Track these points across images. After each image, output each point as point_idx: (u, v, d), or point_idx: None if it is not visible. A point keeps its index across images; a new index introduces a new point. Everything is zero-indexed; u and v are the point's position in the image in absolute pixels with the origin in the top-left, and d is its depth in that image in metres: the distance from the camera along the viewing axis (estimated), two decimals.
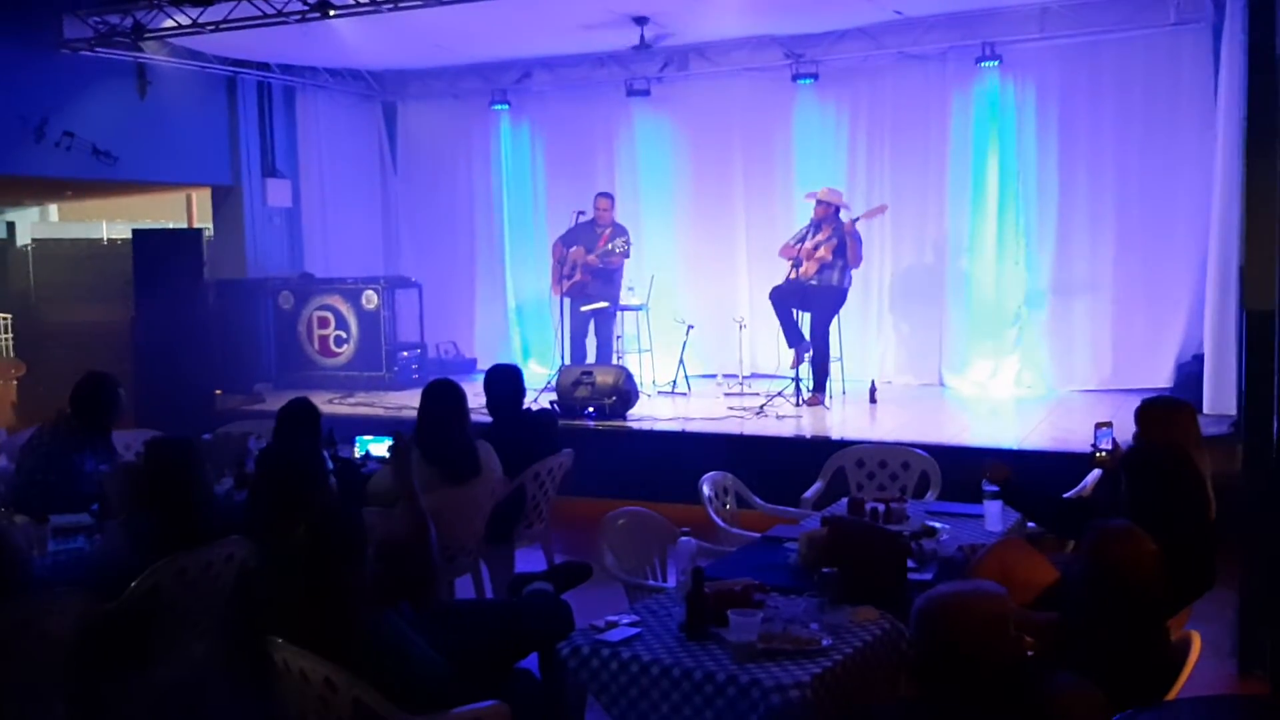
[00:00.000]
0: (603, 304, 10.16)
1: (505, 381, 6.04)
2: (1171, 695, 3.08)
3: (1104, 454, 4.75)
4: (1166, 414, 4.61)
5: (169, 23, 9.03)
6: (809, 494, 5.89)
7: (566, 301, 10.31)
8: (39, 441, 5.32)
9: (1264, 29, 5.12)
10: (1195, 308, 9.27)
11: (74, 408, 5.44)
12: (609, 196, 10.42)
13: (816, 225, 9.36)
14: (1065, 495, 5.43)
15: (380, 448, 6.06)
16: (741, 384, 10.11)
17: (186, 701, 4.00)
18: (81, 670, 3.79)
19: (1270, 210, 4.96)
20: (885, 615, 3.62)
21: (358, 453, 6.15)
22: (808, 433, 8.47)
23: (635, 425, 8.80)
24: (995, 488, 4.68)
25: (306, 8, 8.32)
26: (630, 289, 10.47)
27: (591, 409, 8.83)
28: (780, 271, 9.58)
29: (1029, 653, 2.74)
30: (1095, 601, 3.21)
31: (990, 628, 2.57)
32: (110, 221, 17.63)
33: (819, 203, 9.37)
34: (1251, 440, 5.13)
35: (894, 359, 10.71)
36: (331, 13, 8.28)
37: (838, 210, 9.36)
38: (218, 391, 10.34)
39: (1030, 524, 4.92)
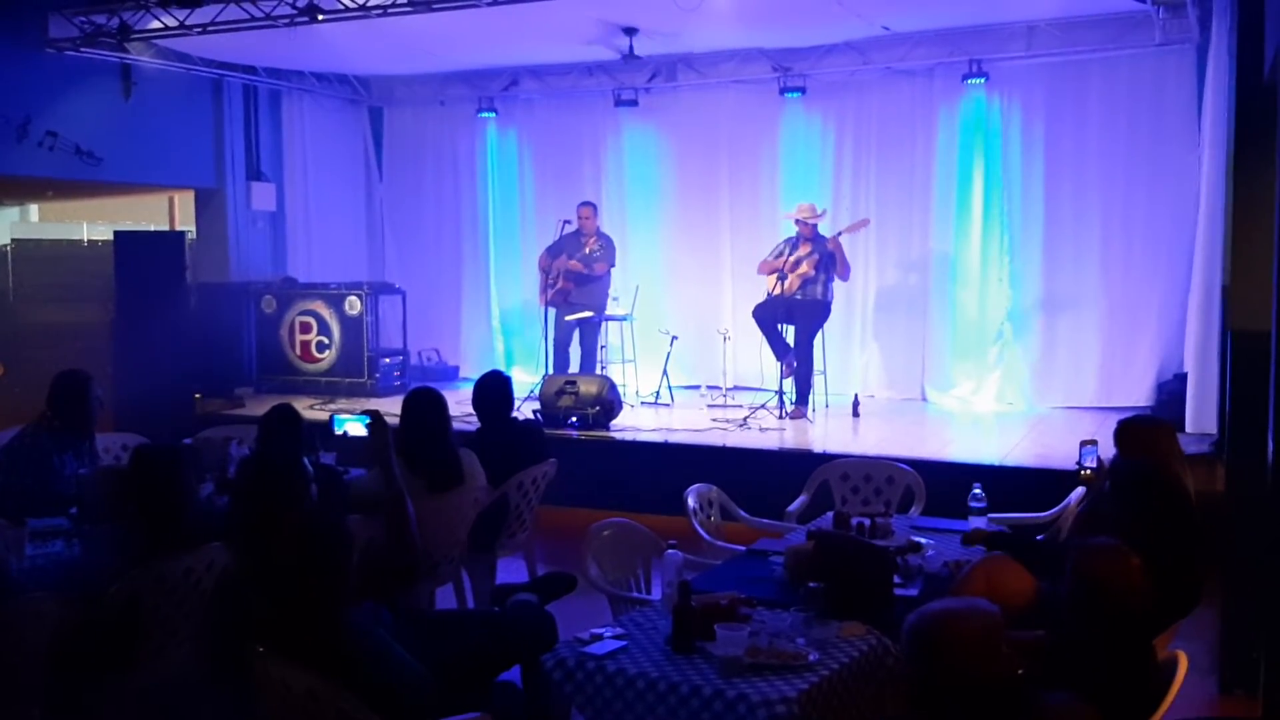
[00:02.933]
0: (587, 313, 10.15)
1: (496, 389, 6.02)
2: (1157, 716, 3.07)
3: (1089, 472, 4.76)
4: (1146, 433, 4.62)
5: (155, 24, 8.97)
6: (793, 507, 5.88)
7: (551, 311, 10.29)
8: (19, 444, 5.26)
9: (1252, 51, 5.15)
10: (1177, 326, 9.33)
11: (52, 408, 5.39)
12: (591, 205, 10.42)
13: (794, 242, 9.41)
14: (1046, 514, 5.47)
15: (357, 427, 6.02)
16: (725, 396, 10.11)
17: (167, 709, 3.96)
18: (59, 675, 3.74)
19: (1258, 232, 4.98)
20: (872, 631, 3.60)
21: (335, 431, 6.11)
22: (791, 446, 8.46)
23: (618, 435, 8.78)
24: (982, 504, 4.68)
25: (295, 12, 8.29)
26: (615, 299, 10.46)
27: (575, 418, 8.81)
28: (762, 287, 9.60)
29: (1019, 671, 2.71)
30: (1081, 618, 3.21)
31: (983, 646, 2.56)
32: (91, 222, 17.50)
33: (801, 220, 9.41)
34: (1236, 459, 5.15)
35: (877, 373, 10.72)
36: (320, 17, 8.24)
37: (817, 224, 9.41)
38: (197, 395, 10.26)
39: None
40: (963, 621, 2.59)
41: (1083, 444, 5.10)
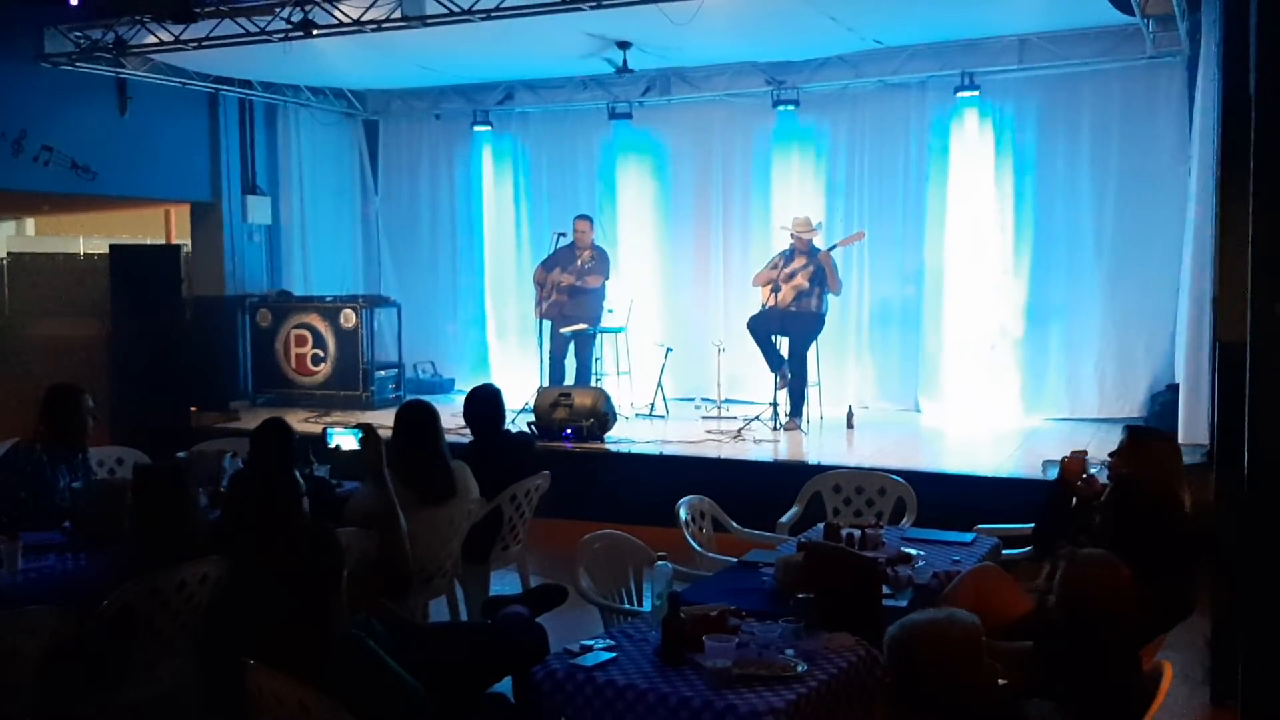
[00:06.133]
0: (582, 326, 10.17)
1: (486, 402, 6.05)
2: None
3: (1080, 483, 4.77)
4: (1152, 445, 4.62)
5: (151, 39, 9.00)
6: (785, 519, 5.90)
7: (546, 323, 10.32)
8: (13, 457, 5.28)
9: (1238, 66, 5.18)
10: (1170, 337, 9.36)
11: (44, 422, 5.40)
12: (588, 218, 10.45)
13: (789, 254, 9.45)
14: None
15: (350, 440, 6.02)
16: (719, 408, 10.13)
17: None
18: (53, 689, 3.75)
19: (1243, 244, 5.00)
20: (860, 642, 3.62)
21: (328, 445, 6.12)
22: (784, 458, 8.48)
23: (613, 448, 8.81)
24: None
25: (290, 27, 8.32)
26: (610, 311, 10.49)
27: (569, 430, 8.83)
28: (756, 299, 9.64)
29: (1001, 681, 2.73)
30: (1069, 629, 3.22)
31: (964, 656, 2.58)
32: (87, 236, 17.49)
33: (796, 235, 9.45)
34: (1224, 470, 5.17)
35: (871, 385, 10.74)
36: (315, 33, 8.28)
37: (811, 239, 9.47)
38: (193, 408, 10.27)
39: (1006, 551, 4.95)
40: (941, 631, 2.61)
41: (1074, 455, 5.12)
